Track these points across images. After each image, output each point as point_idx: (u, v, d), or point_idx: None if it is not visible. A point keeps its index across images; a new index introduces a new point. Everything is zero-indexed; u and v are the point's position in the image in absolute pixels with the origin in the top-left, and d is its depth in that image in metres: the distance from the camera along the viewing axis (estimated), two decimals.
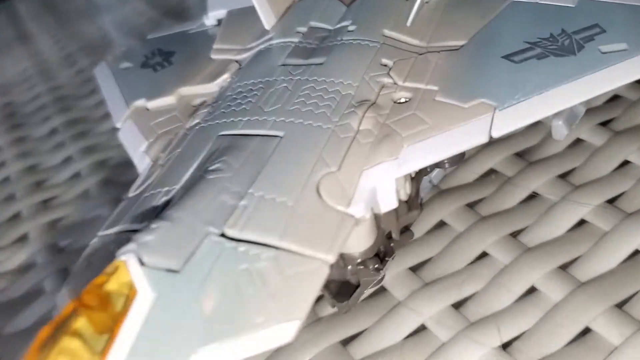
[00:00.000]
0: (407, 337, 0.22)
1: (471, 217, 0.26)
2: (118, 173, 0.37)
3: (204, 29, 0.33)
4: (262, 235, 0.18)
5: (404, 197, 0.22)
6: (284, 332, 0.17)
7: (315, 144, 0.21)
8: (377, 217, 0.21)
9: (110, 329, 0.16)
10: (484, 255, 0.24)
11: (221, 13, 0.33)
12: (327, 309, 0.24)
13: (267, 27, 0.29)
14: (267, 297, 0.17)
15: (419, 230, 0.26)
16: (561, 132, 0.23)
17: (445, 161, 0.25)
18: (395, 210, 0.21)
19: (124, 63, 0.33)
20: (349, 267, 0.22)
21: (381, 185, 0.20)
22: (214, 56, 0.30)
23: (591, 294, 0.22)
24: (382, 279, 0.23)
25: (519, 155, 0.28)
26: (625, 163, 0.26)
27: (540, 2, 0.26)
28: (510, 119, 0.21)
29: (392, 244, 0.23)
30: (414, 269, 0.25)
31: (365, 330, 0.23)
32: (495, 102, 0.21)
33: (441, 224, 0.26)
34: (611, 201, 0.25)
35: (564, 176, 0.27)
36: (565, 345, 0.21)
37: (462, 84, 0.23)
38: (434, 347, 0.22)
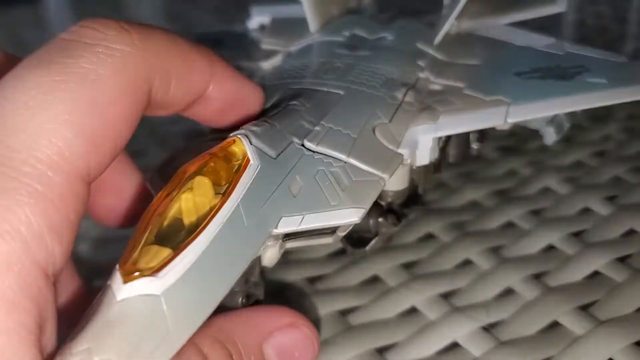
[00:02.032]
0: None
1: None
2: None
3: (247, 31, 0.38)
4: (333, 151, 0.23)
5: (433, 159, 0.27)
6: (353, 214, 0.21)
7: (370, 103, 0.26)
8: (410, 170, 0.26)
9: (229, 181, 0.20)
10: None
11: (264, 19, 0.38)
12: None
13: (313, 29, 0.34)
14: (339, 189, 0.22)
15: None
16: (551, 137, 0.29)
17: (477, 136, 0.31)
18: (425, 167, 0.27)
19: None
20: (371, 221, 0.27)
21: (422, 140, 0.26)
22: (264, 46, 0.35)
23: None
24: (393, 234, 0.28)
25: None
26: None
27: (535, 47, 0.32)
28: (522, 113, 0.27)
29: (403, 211, 0.28)
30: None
31: None
32: (510, 99, 0.27)
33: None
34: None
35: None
36: None
37: (484, 84, 0.29)
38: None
